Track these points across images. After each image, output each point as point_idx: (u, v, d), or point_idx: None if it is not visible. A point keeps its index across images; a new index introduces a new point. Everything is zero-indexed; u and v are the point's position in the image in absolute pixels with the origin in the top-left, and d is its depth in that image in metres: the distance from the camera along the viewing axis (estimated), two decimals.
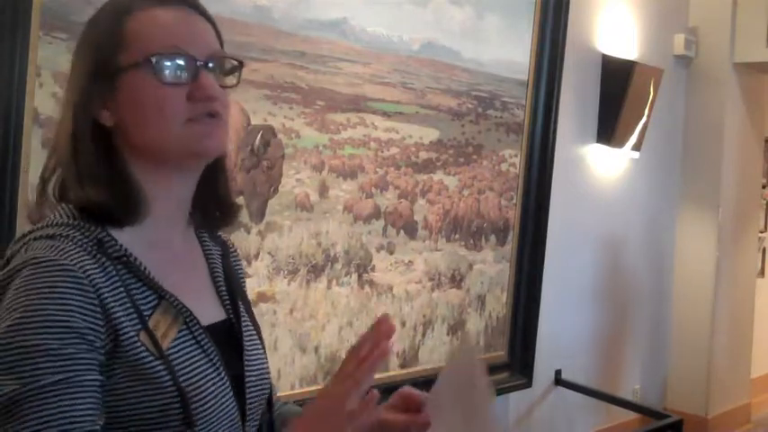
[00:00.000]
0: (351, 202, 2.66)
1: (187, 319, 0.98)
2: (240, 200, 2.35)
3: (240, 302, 1.12)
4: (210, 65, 0.98)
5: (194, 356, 0.97)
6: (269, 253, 2.43)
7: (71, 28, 1.90)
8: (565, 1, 3.28)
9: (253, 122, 2.34)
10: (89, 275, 0.89)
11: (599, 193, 3.97)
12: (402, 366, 2.86)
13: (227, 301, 1.09)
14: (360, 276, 2.70)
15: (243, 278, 1.22)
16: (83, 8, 1.92)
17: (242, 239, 2.36)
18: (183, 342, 0.96)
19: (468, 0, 2.98)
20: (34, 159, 1.82)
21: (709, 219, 4.50)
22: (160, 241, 1.01)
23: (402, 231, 2.85)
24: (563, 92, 3.35)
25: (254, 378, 1.06)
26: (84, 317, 0.87)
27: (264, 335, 2.57)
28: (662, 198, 4.45)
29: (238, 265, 1.21)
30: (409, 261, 2.88)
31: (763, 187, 5.41)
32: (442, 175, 2.96)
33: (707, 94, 4.51)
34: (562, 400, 3.80)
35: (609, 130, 3.86)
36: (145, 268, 0.96)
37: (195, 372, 0.96)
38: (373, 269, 2.74)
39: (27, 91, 1.84)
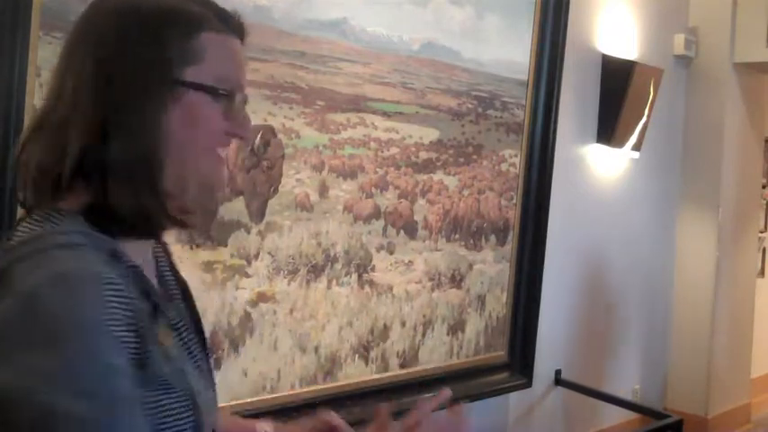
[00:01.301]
0: (351, 202, 2.66)
1: (179, 326, 0.97)
2: (240, 200, 2.35)
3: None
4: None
5: (186, 362, 0.96)
6: (269, 253, 2.43)
7: (71, 28, 1.89)
8: (565, 1, 3.28)
9: (253, 122, 2.33)
10: (126, 287, 0.86)
11: (599, 193, 3.97)
12: (402, 366, 2.86)
13: (181, 304, 1.07)
14: (360, 276, 2.70)
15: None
16: (83, 8, 1.92)
17: (242, 239, 2.36)
18: (178, 348, 0.95)
19: (469, 0, 2.98)
20: None
21: (709, 219, 4.50)
22: (141, 246, 0.99)
23: (402, 231, 2.85)
24: (563, 92, 3.35)
25: (215, 392, 1.06)
26: (127, 328, 0.84)
27: (264, 335, 2.57)
28: (662, 198, 4.45)
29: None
30: (409, 261, 2.88)
31: (764, 187, 5.40)
32: (441, 175, 2.96)
33: (707, 94, 4.51)
34: (562, 400, 3.80)
35: (609, 130, 3.86)
36: (148, 280, 0.94)
37: (191, 377, 0.95)
38: (373, 269, 2.74)
39: (27, 91, 1.84)
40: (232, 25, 1.00)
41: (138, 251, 0.96)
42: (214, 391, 1.05)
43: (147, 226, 0.94)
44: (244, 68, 1.02)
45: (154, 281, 1.01)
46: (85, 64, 0.93)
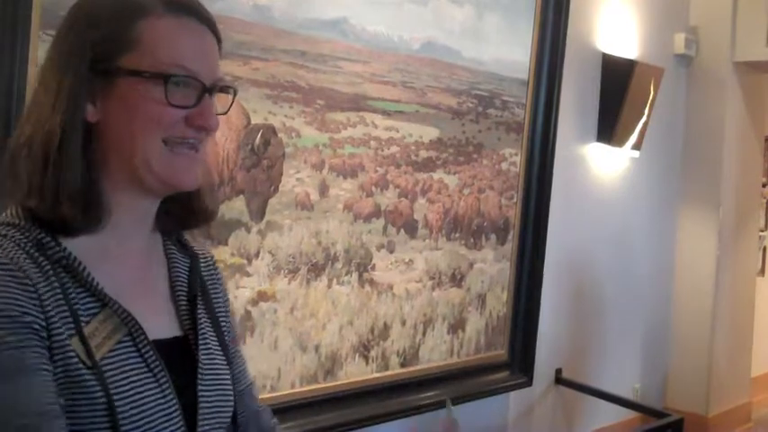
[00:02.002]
0: (351, 200, 2.66)
1: (132, 330, 0.94)
2: (241, 199, 2.35)
3: (206, 318, 1.07)
4: (213, 92, 0.98)
5: (134, 369, 0.93)
6: (269, 252, 2.43)
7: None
8: (565, 0, 3.28)
9: (253, 121, 2.34)
10: (26, 272, 0.87)
11: (599, 192, 3.97)
12: (402, 365, 2.86)
13: (186, 318, 1.05)
14: (360, 275, 2.70)
15: (219, 292, 1.15)
16: None
17: (242, 238, 2.36)
18: (123, 353, 0.93)
19: None
20: None
21: (709, 217, 4.50)
22: (116, 250, 0.98)
23: (402, 230, 2.85)
24: (563, 91, 3.35)
25: (208, 397, 1.01)
26: (27, 309, 0.85)
27: (265, 334, 2.57)
28: (662, 197, 4.45)
29: (214, 278, 1.15)
30: (410, 260, 2.88)
31: (764, 186, 5.41)
32: (442, 174, 2.96)
33: (707, 93, 4.51)
34: (562, 399, 3.81)
35: (609, 129, 3.86)
36: (88, 274, 0.92)
37: (131, 385, 0.91)
38: (373, 268, 2.74)
39: (27, 91, 1.84)
40: (180, 7, 0.96)
41: (99, 247, 0.95)
42: (208, 408, 1.01)
43: (70, 223, 0.92)
44: (201, 55, 0.96)
45: (135, 282, 0.99)
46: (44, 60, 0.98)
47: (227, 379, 1.06)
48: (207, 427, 1.00)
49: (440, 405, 2.93)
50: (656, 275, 4.46)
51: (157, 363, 0.95)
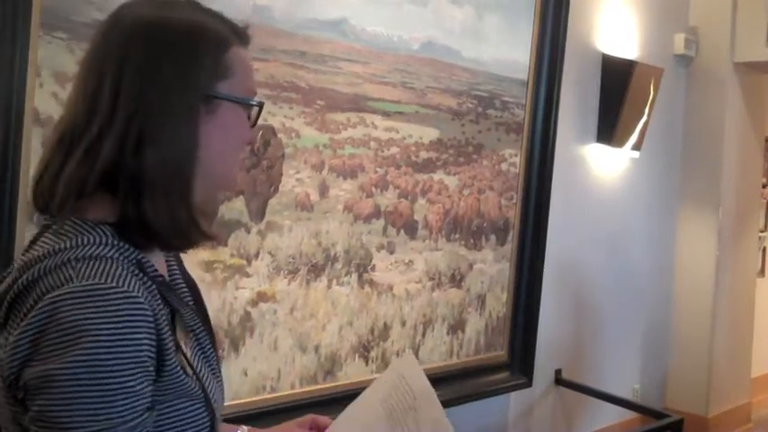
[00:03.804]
0: (351, 201, 2.66)
1: (195, 328, 0.99)
2: (240, 199, 2.35)
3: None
4: None
5: (203, 366, 0.99)
6: (269, 252, 2.43)
7: (71, 28, 1.90)
8: (565, 0, 3.28)
9: None
10: (148, 301, 0.88)
11: (599, 192, 3.97)
12: None
13: (191, 304, 1.09)
14: (360, 276, 2.70)
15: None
16: (83, 8, 1.92)
17: (242, 239, 2.36)
18: (196, 352, 0.98)
19: None
20: (34, 159, 1.82)
21: (709, 218, 4.50)
22: (159, 255, 1.01)
23: (402, 231, 2.85)
24: (563, 91, 3.35)
25: (223, 386, 1.09)
26: (149, 349, 0.86)
27: (264, 335, 2.57)
28: (662, 197, 4.45)
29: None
30: (409, 261, 2.88)
31: (764, 186, 5.40)
32: (442, 175, 2.96)
33: (707, 93, 4.51)
34: (562, 400, 3.80)
35: (609, 129, 3.85)
36: (177, 289, 0.98)
37: (209, 383, 0.98)
38: (373, 269, 2.74)
39: (27, 91, 1.84)
40: (244, 37, 1.03)
41: (157, 258, 0.99)
42: (222, 386, 1.07)
43: (181, 240, 0.96)
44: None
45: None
46: (124, 75, 0.92)
47: None
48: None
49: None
50: (656, 276, 4.46)
51: (212, 353, 1.02)
